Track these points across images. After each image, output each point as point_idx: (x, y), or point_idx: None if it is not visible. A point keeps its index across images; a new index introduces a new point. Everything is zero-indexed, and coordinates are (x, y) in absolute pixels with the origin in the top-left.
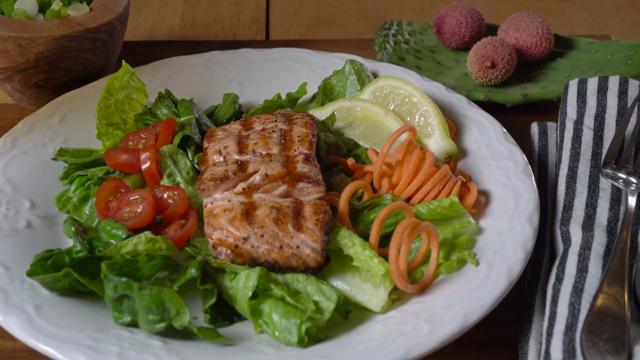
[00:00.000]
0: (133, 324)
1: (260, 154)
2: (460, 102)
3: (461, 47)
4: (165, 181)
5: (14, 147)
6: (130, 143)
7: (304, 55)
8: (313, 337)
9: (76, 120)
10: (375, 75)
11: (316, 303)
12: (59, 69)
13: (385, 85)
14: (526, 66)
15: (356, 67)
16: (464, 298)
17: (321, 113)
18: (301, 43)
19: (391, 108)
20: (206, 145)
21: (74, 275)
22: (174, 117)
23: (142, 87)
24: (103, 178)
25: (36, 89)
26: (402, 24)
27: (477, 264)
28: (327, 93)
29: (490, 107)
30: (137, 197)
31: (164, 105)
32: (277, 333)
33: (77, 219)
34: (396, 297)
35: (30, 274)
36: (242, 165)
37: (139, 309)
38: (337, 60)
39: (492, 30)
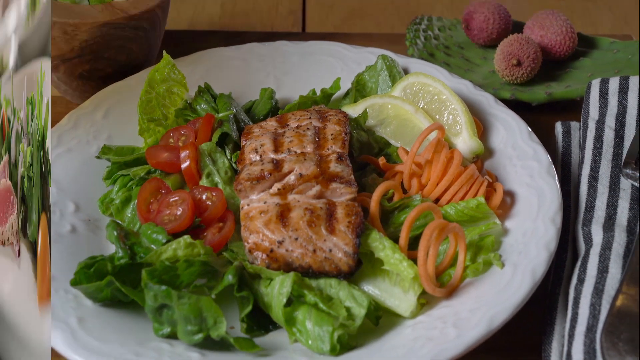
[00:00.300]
0: (172, 335)
1: (295, 152)
2: (487, 101)
3: (489, 43)
4: (204, 181)
5: (59, 144)
6: (171, 140)
7: (338, 49)
8: (345, 344)
9: (119, 115)
10: (405, 71)
11: (348, 309)
12: (103, 59)
13: (415, 82)
14: (550, 65)
15: (388, 63)
16: (490, 301)
17: (354, 110)
18: (336, 36)
19: (421, 105)
20: (244, 143)
21: (115, 284)
22: (212, 112)
23: (182, 80)
24: (145, 178)
25: (81, 81)
26: (432, 19)
27: (503, 265)
28: (359, 89)
29: (516, 106)
30: (176, 198)
31: (204, 100)
32: (310, 342)
33: (120, 222)
34: (424, 301)
35: (74, 283)
36: (277, 165)
37: (178, 319)
38: (369, 55)
39: (518, 27)
